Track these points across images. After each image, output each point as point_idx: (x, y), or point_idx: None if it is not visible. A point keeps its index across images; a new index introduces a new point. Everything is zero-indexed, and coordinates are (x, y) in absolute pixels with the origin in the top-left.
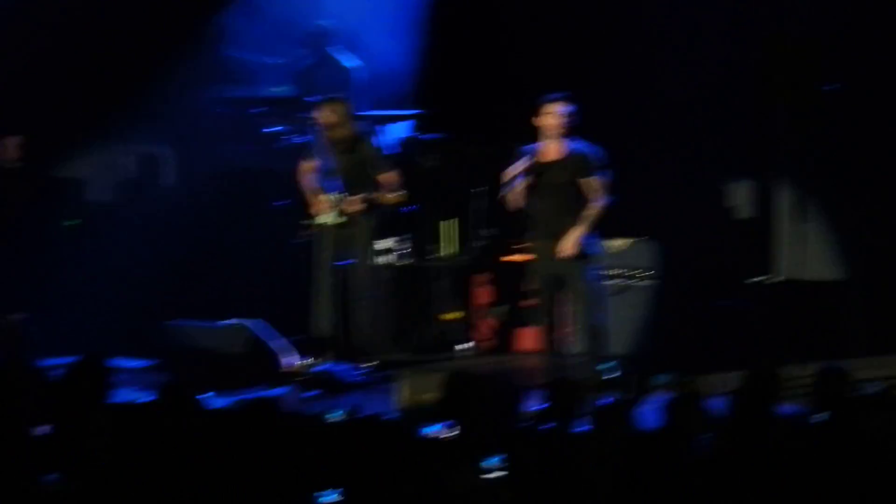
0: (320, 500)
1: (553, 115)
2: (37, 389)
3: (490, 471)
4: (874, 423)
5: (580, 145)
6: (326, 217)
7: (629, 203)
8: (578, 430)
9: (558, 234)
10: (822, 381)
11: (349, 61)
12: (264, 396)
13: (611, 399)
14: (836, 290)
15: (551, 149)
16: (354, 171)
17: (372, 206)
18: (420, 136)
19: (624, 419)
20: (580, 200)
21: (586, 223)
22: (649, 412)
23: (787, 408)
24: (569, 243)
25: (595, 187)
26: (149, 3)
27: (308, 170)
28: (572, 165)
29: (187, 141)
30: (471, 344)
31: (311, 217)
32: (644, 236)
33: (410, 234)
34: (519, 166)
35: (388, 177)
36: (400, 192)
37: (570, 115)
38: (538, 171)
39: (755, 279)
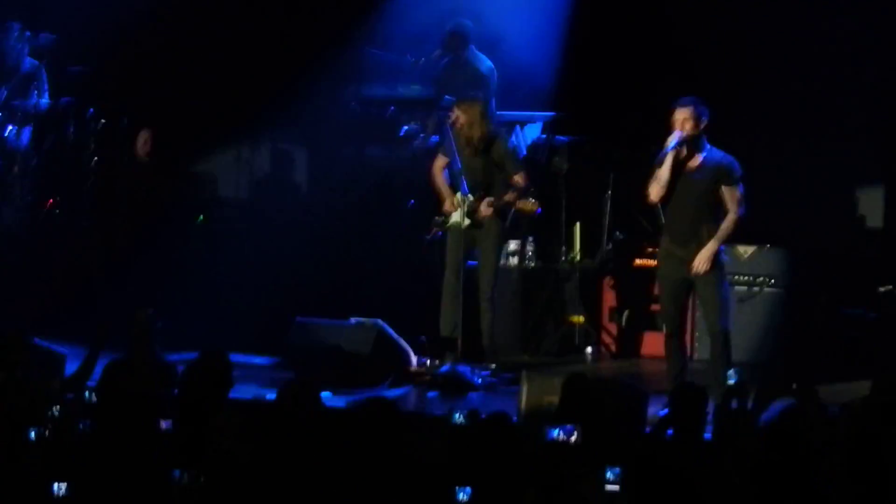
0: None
1: (689, 119)
2: (166, 384)
3: (610, 482)
4: None
5: (719, 154)
6: (456, 217)
7: (756, 209)
8: (705, 437)
9: (689, 241)
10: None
11: (486, 62)
12: (383, 396)
13: (736, 406)
14: None
15: (690, 154)
16: (487, 172)
17: (502, 209)
18: (552, 139)
19: (750, 427)
20: (714, 208)
21: (722, 237)
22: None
23: None
24: (704, 259)
25: (734, 198)
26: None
27: (440, 168)
28: (712, 173)
29: (322, 139)
30: (596, 348)
31: (443, 215)
32: (771, 243)
33: (539, 237)
34: (673, 140)
35: (520, 179)
36: (533, 201)
37: (703, 117)
38: (677, 177)
39: (884, 288)
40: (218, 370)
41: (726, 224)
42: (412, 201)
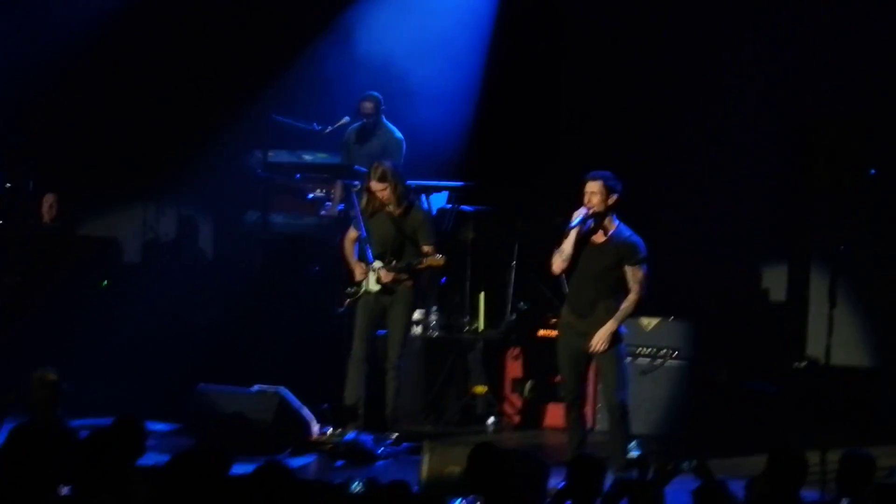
0: None
1: (598, 193)
2: (67, 449)
3: None
4: None
5: (626, 232)
6: (367, 284)
7: (661, 282)
8: None
9: (588, 315)
10: (847, 467)
11: (395, 131)
12: (277, 461)
13: (636, 478)
14: (867, 377)
15: (597, 229)
16: (398, 239)
17: (412, 275)
18: (458, 208)
19: (652, 501)
20: (616, 286)
21: (621, 317)
22: (674, 495)
23: (810, 493)
24: (601, 339)
25: (636, 278)
26: (193, 62)
27: (351, 241)
28: (616, 252)
29: (226, 204)
30: (499, 418)
31: (354, 285)
32: (674, 316)
33: (443, 306)
34: (578, 215)
35: (431, 250)
36: (440, 256)
37: (613, 193)
38: (581, 251)
39: (794, 364)
40: (131, 437)
41: (626, 304)
42: (316, 268)
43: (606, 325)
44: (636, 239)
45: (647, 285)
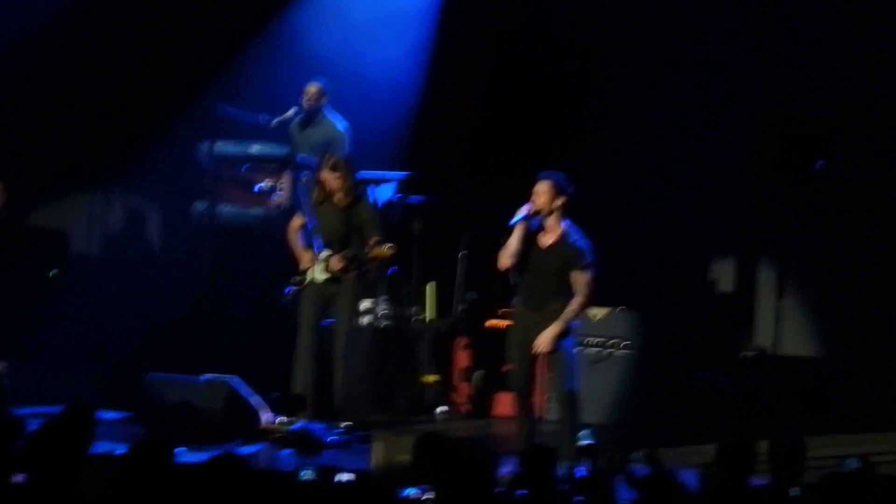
0: None
1: (544, 194)
2: (13, 437)
3: None
4: (852, 500)
5: (575, 236)
6: (313, 274)
7: (610, 272)
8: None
9: (537, 310)
10: (777, 452)
11: (341, 121)
12: (233, 452)
13: (587, 469)
14: (815, 366)
15: (545, 229)
16: (344, 230)
17: (358, 265)
18: (406, 199)
19: (604, 491)
20: (563, 286)
21: (565, 319)
22: (624, 484)
23: (760, 480)
24: (545, 341)
25: (581, 282)
26: (141, 53)
27: (296, 227)
28: (562, 255)
29: (174, 195)
30: (448, 407)
31: (300, 274)
32: (623, 306)
33: (392, 296)
34: (521, 212)
35: (381, 249)
36: (388, 245)
37: (562, 195)
38: (530, 249)
39: (741, 354)
40: (83, 425)
41: (571, 307)
42: (265, 259)
43: (551, 327)
44: (582, 244)
45: (593, 289)
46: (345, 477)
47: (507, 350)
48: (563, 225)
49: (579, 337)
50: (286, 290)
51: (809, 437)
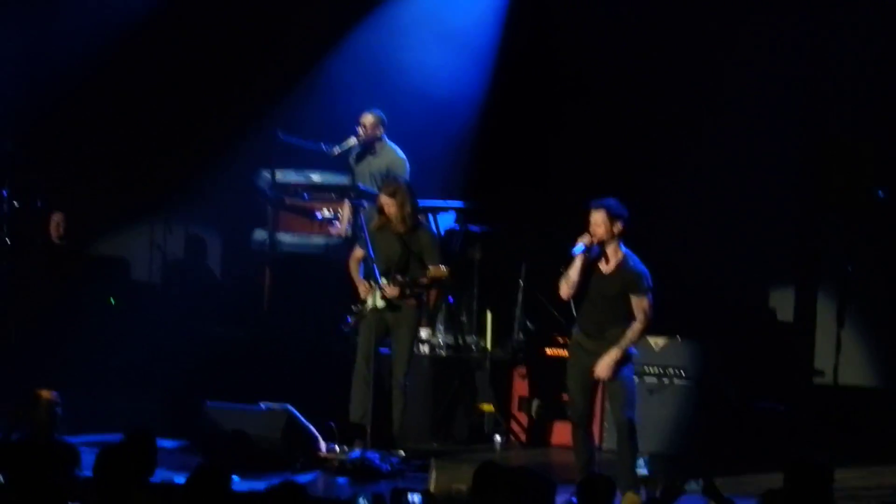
0: None
1: (602, 224)
2: (69, 466)
3: None
4: None
5: (633, 261)
6: (372, 301)
7: (669, 301)
8: None
9: (597, 338)
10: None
11: (399, 151)
12: (293, 480)
13: (647, 499)
14: (875, 396)
15: (605, 256)
16: (403, 258)
17: (413, 289)
18: (465, 228)
19: None
20: (623, 313)
21: (625, 345)
22: None
23: None
24: (605, 367)
25: (640, 307)
26: (202, 83)
27: (357, 260)
28: (621, 281)
29: (235, 223)
30: (506, 436)
31: (359, 304)
32: (682, 335)
33: (451, 325)
34: (581, 244)
35: (439, 270)
36: (442, 268)
37: (618, 221)
38: (590, 276)
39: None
40: (143, 453)
41: (631, 332)
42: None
43: (610, 352)
44: (641, 268)
45: (652, 314)
46: (416, 499)
47: (567, 379)
48: (623, 251)
49: (637, 366)
50: (347, 320)
51: (869, 467)
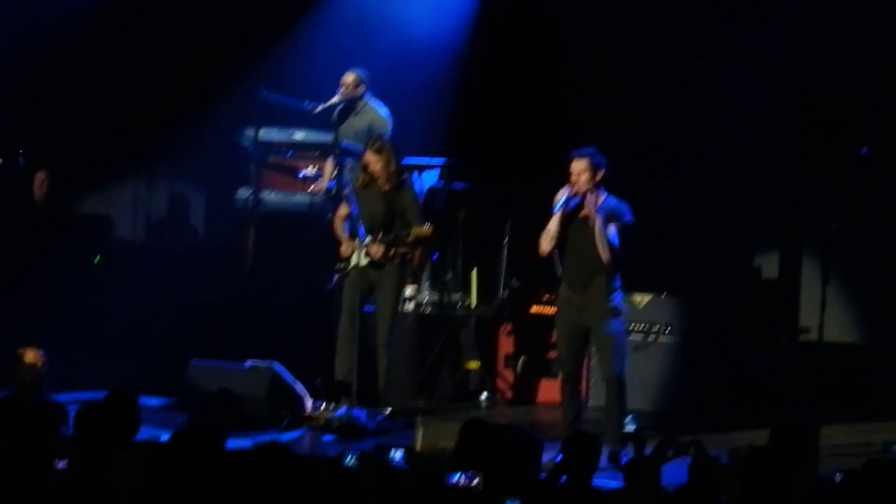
0: None
1: (583, 172)
2: (56, 423)
3: None
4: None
5: (613, 201)
6: (355, 259)
7: (653, 258)
8: (605, 486)
9: (585, 288)
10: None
11: (383, 108)
12: (278, 440)
13: (634, 456)
14: (859, 353)
15: (583, 204)
16: (388, 216)
17: (398, 246)
18: (449, 185)
19: (652, 477)
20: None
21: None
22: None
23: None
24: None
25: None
26: (185, 40)
27: (342, 217)
28: (605, 214)
29: (218, 181)
30: (492, 394)
31: (343, 262)
32: (666, 292)
33: (436, 282)
34: (563, 198)
35: (422, 230)
36: (426, 227)
37: (600, 169)
38: (570, 227)
39: (786, 341)
40: (126, 411)
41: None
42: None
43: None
44: (622, 205)
45: (626, 247)
46: (398, 455)
47: (556, 334)
48: (603, 195)
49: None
50: (332, 278)
51: (853, 424)
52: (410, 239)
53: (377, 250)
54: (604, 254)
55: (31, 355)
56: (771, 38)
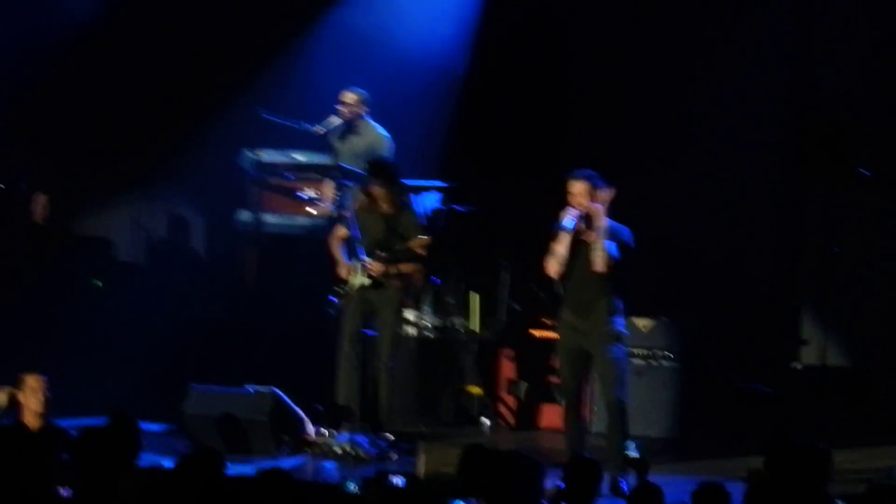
0: None
1: (581, 195)
2: (59, 449)
3: None
4: None
5: (613, 225)
6: (355, 280)
7: (653, 281)
8: None
9: (588, 313)
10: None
11: (382, 130)
12: (280, 466)
13: (636, 482)
14: (861, 377)
15: (586, 227)
16: (388, 238)
17: (400, 269)
18: (450, 208)
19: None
20: (611, 283)
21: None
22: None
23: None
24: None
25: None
26: (183, 61)
27: (339, 238)
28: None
29: (218, 203)
30: (493, 419)
31: (343, 284)
32: (667, 317)
33: (436, 306)
34: (569, 220)
35: (420, 240)
36: (424, 237)
37: (598, 190)
38: (574, 248)
39: (791, 365)
40: (127, 436)
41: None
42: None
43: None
44: (622, 228)
45: (622, 264)
46: (400, 481)
47: (558, 359)
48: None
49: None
50: (334, 301)
51: (855, 449)
52: (411, 251)
53: (377, 268)
54: (599, 263)
55: (33, 382)
56: (774, 54)
